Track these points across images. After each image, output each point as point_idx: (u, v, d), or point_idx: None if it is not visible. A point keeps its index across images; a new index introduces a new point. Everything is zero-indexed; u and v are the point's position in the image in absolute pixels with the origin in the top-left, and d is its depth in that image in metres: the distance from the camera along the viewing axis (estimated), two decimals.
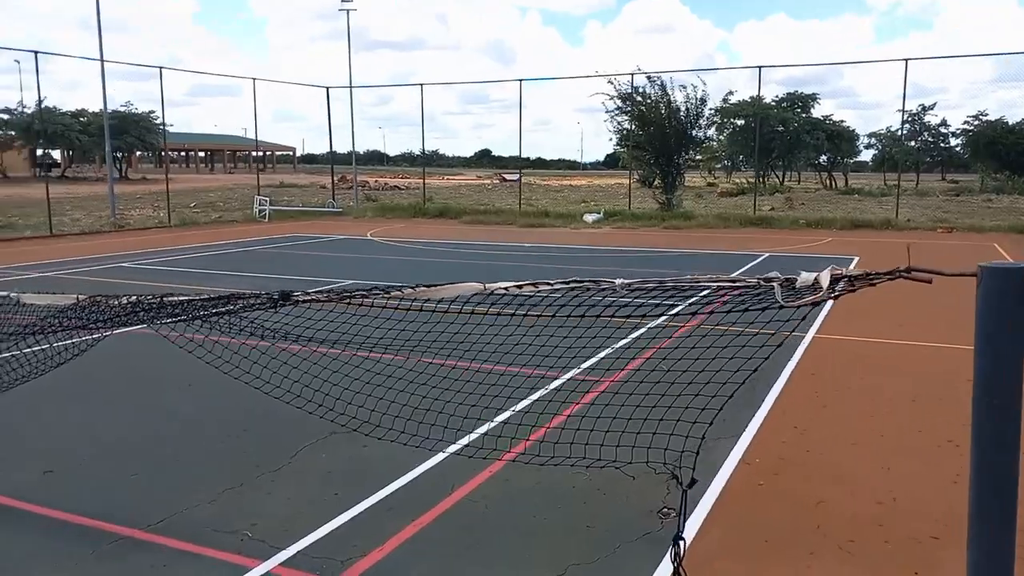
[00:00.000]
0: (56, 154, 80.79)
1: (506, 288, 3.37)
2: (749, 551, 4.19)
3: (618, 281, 3.29)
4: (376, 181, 63.63)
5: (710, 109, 27.27)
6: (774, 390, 6.82)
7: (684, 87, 28.06)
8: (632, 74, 25.94)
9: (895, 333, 9.02)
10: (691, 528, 4.40)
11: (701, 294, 3.16)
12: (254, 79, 26.56)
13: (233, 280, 12.91)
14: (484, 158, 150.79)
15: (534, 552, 4.21)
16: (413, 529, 4.40)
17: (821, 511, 4.60)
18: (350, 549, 4.16)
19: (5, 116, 68.98)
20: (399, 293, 3.50)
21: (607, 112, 27.26)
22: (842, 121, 44.80)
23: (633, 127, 27.40)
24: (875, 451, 5.45)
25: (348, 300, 3.70)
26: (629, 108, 27.21)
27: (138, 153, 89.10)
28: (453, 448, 4.60)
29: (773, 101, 45.31)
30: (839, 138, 44.04)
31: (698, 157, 59.04)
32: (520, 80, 26.25)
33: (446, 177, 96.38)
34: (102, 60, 22.71)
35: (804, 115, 45.82)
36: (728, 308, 3.05)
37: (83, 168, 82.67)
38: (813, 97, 45.12)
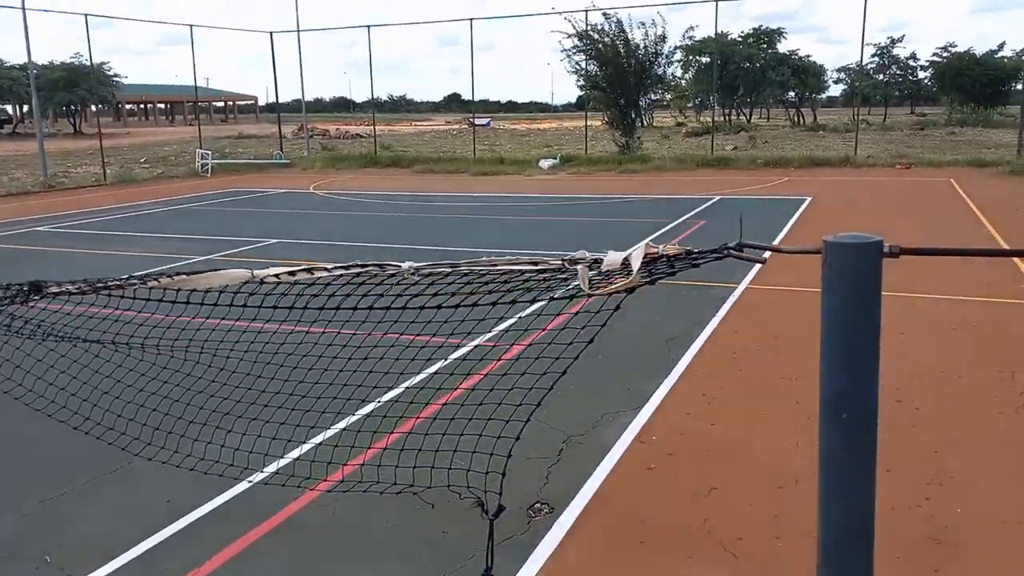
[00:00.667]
0: (8, 109, 78.17)
1: (277, 276, 2.71)
2: (619, 558, 3.68)
3: (406, 264, 2.65)
4: (337, 129, 61.97)
5: (670, 47, 26.33)
6: (691, 350, 6.31)
7: (643, 24, 26.99)
8: (587, 11, 24.91)
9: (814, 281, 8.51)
10: (560, 529, 3.88)
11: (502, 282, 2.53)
12: (191, 25, 25.25)
13: (150, 242, 12.16)
14: (453, 103, 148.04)
15: (388, 564, 3.68)
16: (243, 544, 3.84)
17: (712, 501, 4.10)
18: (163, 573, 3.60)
19: None
20: (156, 283, 2.81)
21: (563, 51, 26.27)
22: (808, 56, 43.85)
23: (591, 67, 26.46)
24: (787, 424, 4.95)
25: (104, 291, 3.03)
26: (587, 47, 26.22)
27: (94, 107, 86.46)
28: (260, 477, 4.02)
29: (739, 37, 44.24)
30: (805, 73, 43.11)
31: (668, 97, 58.04)
32: (471, 19, 25.13)
33: (414, 123, 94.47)
34: (24, 8, 21.33)
35: (771, 51, 44.81)
36: (532, 296, 2.44)
37: (32, 124, 79.89)
38: (779, 32, 44.04)
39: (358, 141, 48.39)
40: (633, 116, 27.14)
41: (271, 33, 28.57)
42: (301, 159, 27.88)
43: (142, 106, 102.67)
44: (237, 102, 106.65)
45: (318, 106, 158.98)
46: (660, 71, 26.89)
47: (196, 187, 21.52)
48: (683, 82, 46.02)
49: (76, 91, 70.03)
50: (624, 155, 24.89)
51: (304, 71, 28.21)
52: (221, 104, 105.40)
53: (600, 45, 25.89)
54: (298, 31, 28.55)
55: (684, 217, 13.51)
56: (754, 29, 44.17)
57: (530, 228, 13.14)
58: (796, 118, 50.99)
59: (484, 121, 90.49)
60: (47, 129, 75.01)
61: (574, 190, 18.35)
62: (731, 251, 2.03)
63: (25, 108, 76.29)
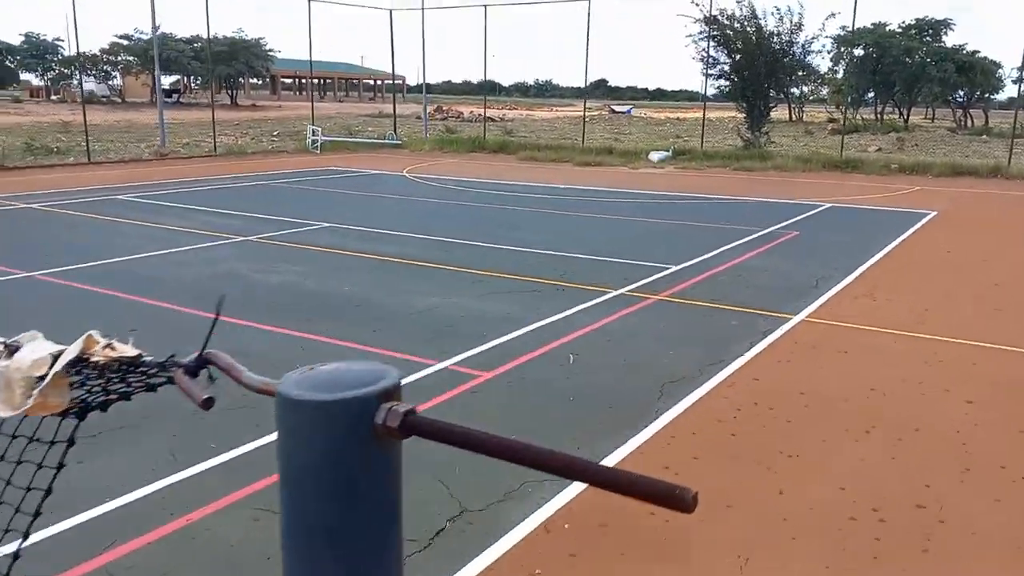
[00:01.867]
0: (170, 80, 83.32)
1: None
2: None
3: None
4: (471, 112, 61.90)
5: (808, 36, 24.08)
6: (686, 400, 5.11)
7: (778, 10, 24.85)
8: None
9: (910, 321, 6.96)
10: None
11: None
12: (309, 0, 25.42)
13: (202, 217, 11.95)
14: (598, 88, 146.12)
15: None
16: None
17: None
18: None
19: (124, 42, 71.14)
20: None
21: (688, 36, 24.57)
22: (976, 52, 39.33)
23: (719, 55, 24.66)
24: (748, 520, 3.74)
25: None
26: (715, 33, 24.43)
27: (252, 80, 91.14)
28: None
29: (899, 28, 40.40)
30: (972, 70, 38.71)
31: (825, 91, 54.30)
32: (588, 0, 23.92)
33: (555, 109, 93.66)
34: None
35: (936, 44, 40.68)
36: None
37: (199, 94, 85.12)
38: (945, 23, 39.83)
39: (489, 124, 48.07)
40: (762, 109, 25.12)
41: (390, 11, 28.48)
42: (413, 141, 27.65)
43: (297, 80, 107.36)
44: (386, 81, 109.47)
45: (465, 88, 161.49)
46: (794, 61, 24.72)
47: (297, 163, 21.61)
48: (835, 75, 42.73)
49: (234, 64, 73.64)
50: (745, 151, 23.02)
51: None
52: (371, 82, 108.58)
53: (729, 31, 24.05)
54: (423, 9, 28.27)
55: (778, 225, 11.96)
56: (916, 20, 40.21)
57: (592, 227, 12.00)
58: (963, 120, 46.33)
59: (625, 109, 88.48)
60: (206, 100, 79.49)
61: (672, 186, 16.93)
62: (168, 372, 1.03)
63: (187, 79, 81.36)
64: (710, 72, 25.25)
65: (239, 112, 63.38)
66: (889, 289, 8.17)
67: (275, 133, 34.40)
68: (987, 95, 46.83)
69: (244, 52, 72.56)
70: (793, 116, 59.43)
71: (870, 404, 5.12)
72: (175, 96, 79.86)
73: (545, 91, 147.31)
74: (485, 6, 25.42)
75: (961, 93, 44.86)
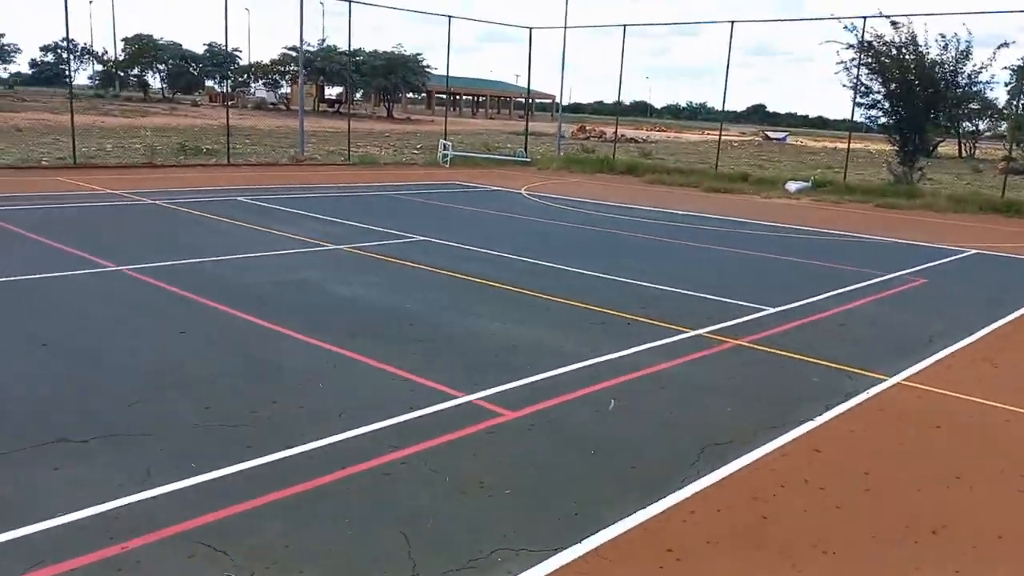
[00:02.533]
0: (335, 91, 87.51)
1: None
2: None
3: None
4: (613, 132, 61.24)
5: (976, 65, 21.96)
6: (722, 470, 4.44)
7: (943, 36, 22.80)
8: (864, 17, 21.57)
9: (1010, 394, 5.89)
10: None
11: None
12: (449, 17, 25.81)
13: (305, 223, 12.12)
14: (755, 114, 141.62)
15: None
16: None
17: None
18: None
19: (293, 53, 75.54)
20: None
21: (839, 63, 23.04)
22: None
23: (872, 83, 22.97)
24: None
25: None
26: (869, 60, 22.79)
27: (410, 95, 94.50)
28: None
29: None
30: None
31: (1003, 126, 49.96)
32: (732, 22, 22.93)
33: (706, 132, 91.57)
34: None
35: None
36: None
37: (356, 106, 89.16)
38: None
39: (631, 145, 47.36)
40: (918, 142, 23.20)
41: (531, 29, 28.48)
42: (542, 159, 27.48)
43: (454, 96, 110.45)
44: (537, 99, 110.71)
45: (618, 109, 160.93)
46: (960, 93, 22.67)
47: (423, 176, 21.88)
48: (1015, 109, 39.08)
49: (391, 78, 76.61)
50: (892, 187, 21.26)
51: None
52: (521, 100, 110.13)
53: (884, 58, 22.35)
54: (565, 27, 28.12)
55: (906, 271, 10.75)
56: None
57: (698, 259, 11.22)
58: None
59: (780, 135, 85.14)
60: (363, 111, 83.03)
61: (802, 220, 15.76)
62: None
63: (349, 90, 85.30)
64: (861, 101, 23.56)
65: (394, 124, 65.77)
66: (1018, 355, 7.04)
67: (418, 146, 35.28)
68: None
69: (402, 67, 75.35)
70: (963, 152, 55.04)
71: (948, 497, 4.26)
72: (336, 106, 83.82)
73: (698, 114, 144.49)
74: (624, 25, 24.92)
75: None
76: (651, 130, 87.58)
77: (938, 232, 15.03)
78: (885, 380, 6.11)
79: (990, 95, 33.76)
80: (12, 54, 66.20)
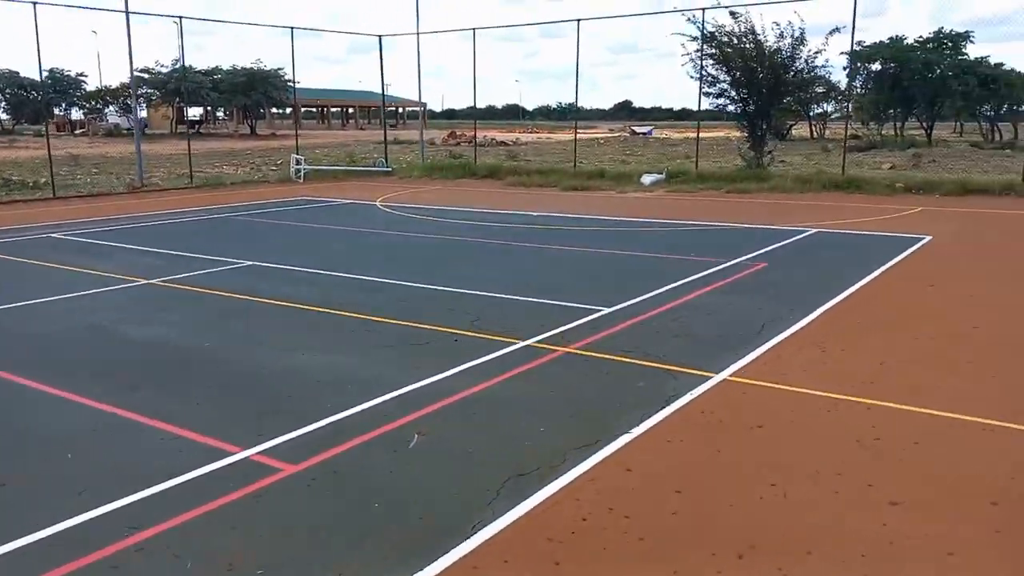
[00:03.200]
0: (197, 111, 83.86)
1: None
2: None
3: None
4: (484, 136, 61.15)
5: (811, 50, 22.74)
6: (526, 503, 3.97)
7: (777, 25, 23.56)
8: (704, 9, 22.03)
9: (858, 381, 5.72)
10: None
11: None
12: (291, 28, 24.77)
13: (123, 257, 11.06)
14: (623, 110, 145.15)
15: None
16: None
17: None
18: None
19: (145, 75, 71.78)
20: None
21: (684, 55, 23.43)
22: (1000, 64, 37.46)
23: (717, 73, 23.47)
24: None
25: None
26: (713, 51, 23.28)
27: (274, 110, 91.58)
28: None
29: (916, 41, 38.80)
30: (995, 83, 36.89)
31: (849, 108, 52.88)
32: (578, 20, 22.96)
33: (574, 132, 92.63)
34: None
35: (958, 57, 39.00)
36: None
37: (219, 125, 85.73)
38: (965, 36, 38.08)
39: (501, 148, 47.20)
40: (765, 127, 23.90)
41: (380, 37, 27.75)
42: (403, 168, 26.80)
43: (320, 110, 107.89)
44: (407, 108, 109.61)
45: (490, 113, 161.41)
46: (799, 77, 23.47)
47: (272, 193, 20.81)
48: (854, 91, 41.32)
49: (252, 94, 74.00)
50: (742, 172, 21.76)
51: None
52: (393, 109, 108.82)
53: (727, 48, 22.88)
54: (417, 33, 27.50)
55: (748, 255, 10.75)
56: (935, 32, 38.56)
57: (543, 262, 10.86)
58: (990, 134, 44.59)
59: (645, 130, 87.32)
60: (225, 130, 79.97)
61: (652, 212, 15.75)
62: None
63: (207, 110, 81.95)
64: (708, 91, 24.06)
65: (257, 141, 63.36)
66: (847, 337, 6.95)
67: (279, 162, 33.86)
68: (1015, 107, 44.99)
69: (262, 82, 72.88)
70: (815, 134, 57.89)
71: (760, 511, 3.93)
72: (196, 127, 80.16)
73: (568, 114, 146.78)
74: (474, 29, 24.57)
75: (988, 106, 43.12)
76: (522, 132, 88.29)
77: (784, 214, 15.33)
78: (711, 377, 5.84)
79: (833, 79, 35.45)
80: None
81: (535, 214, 15.93)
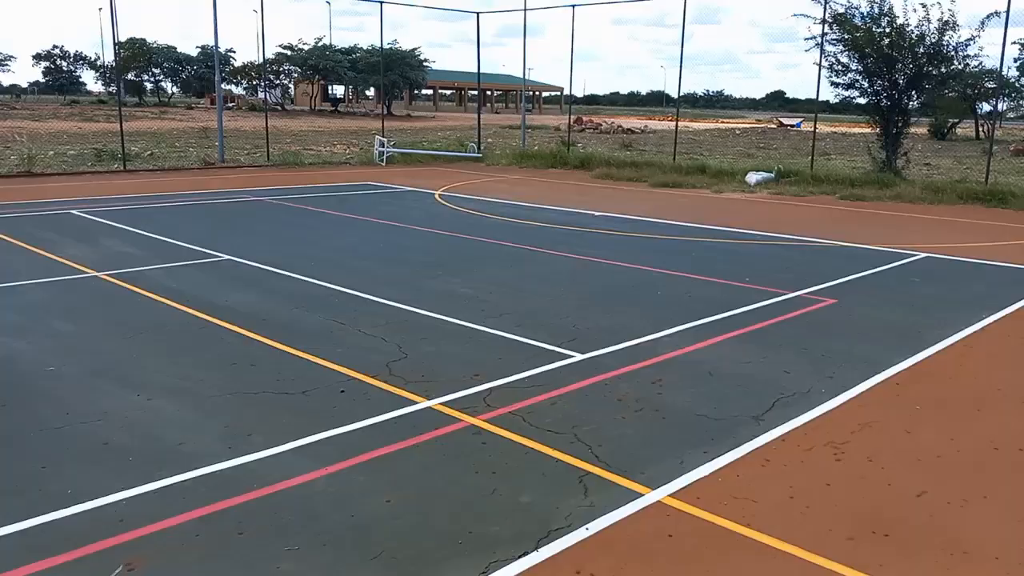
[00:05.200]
0: (339, 90, 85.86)
1: None
2: None
3: None
4: (611, 123, 58.81)
5: (961, 38, 19.27)
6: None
7: (924, 6, 20.11)
8: None
9: (884, 545, 3.61)
10: None
11: None
12: (381, 3, 23.59)
13: (108, 242, 10.09)
14: (775, 100, 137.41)
15: None
16: None
17: None
18: None
19: (288, 52, 73.94)
20: None
21: (808, 39, 20.52)
22: None
23: (847, 61, 20.41)
24: None
25: None
26: (845, 37, 20.22)
27: (416, 91, 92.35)
28: None
29: None
30: None
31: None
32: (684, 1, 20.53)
33: (720, 120, 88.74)
34: None
35: None
36: None
37: (361, 104, 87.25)
38: None
39: (628, 136, 44.75)
40: (900, 125, 20.61)
41: (478, 14, 26.26)
42: (493, 154, 25.27)
43: (459, 92, 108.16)
44: (543, 92, 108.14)
45: (634, 99, 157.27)
46: (944, 69, 20.03)
47: (341, 176, 19.79)
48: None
49: (389, 75, 74.70)
50: (864, 176, 18.74)
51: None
52: (530, 94, 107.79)
53: (857, 32, 19.79)
54: (525, 9, 25.80)
55: (819, 286, 8.42)
56: None
57: (562, 276, 8.92)
58: None
59: (795, 122, 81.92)
60: (362, 109, 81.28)
61: (736, 218, 13.38)
62: None
63: (349, 88, 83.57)
64: (837, 81, 20.97)
65: (388, 122, 63.76)
66: (891, 432, 4.74)
67: (391, 143, 33.14)
68: None
69: (398, 63, 73.40)
70: (981, 134, 51.91)
71: None
72: (337, 105, 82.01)
73: (715, 102, 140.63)
74: (573, 6, 22.56)
75: None
76: (662, 120, 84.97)
77: (897, 229, 12.61)
78: (641, 496, 3.88)
79: (1007, 74, 30.87)
80: (5, 62, 65.16)
81: (596, 214, 13.92)
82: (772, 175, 19.06)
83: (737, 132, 54.52)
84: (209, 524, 3.59)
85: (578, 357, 6.00)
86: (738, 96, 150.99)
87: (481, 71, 27.91)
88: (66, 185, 16.46)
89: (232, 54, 79.80)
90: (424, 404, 5.03)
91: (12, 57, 72.11)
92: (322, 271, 8.76)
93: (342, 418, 4.77)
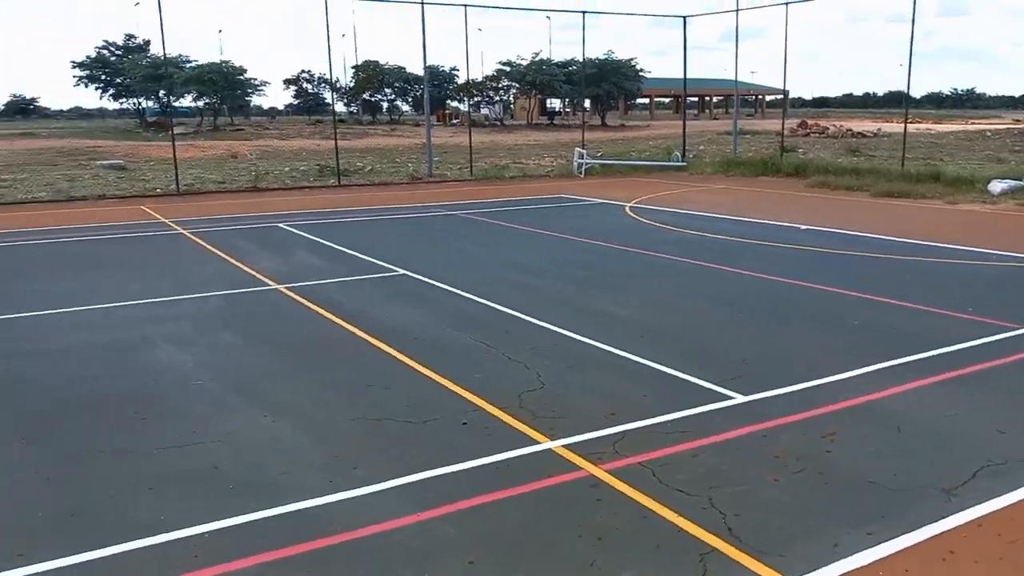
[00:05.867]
0: (556, 103, 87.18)
1: None
2: None
3: None
4: (840, 126, 54.63)
5: None
6: None
7: None
8: None
9: None
10: None
11: None
12: (583, 12, 23.30)
13: (301, 253, 10.55)
14: None
15: None
16: None
17: None
18: None
19: (507, 69, 76.25)
20: None
21: None
22: None
23: None
24: None
25: None
26: None
27: (631, 101, 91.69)
28: None
29: None
30: None
31: None
32: None
33: (969, 121, 79.93)
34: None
35: None
36: None
37: (578, 116, 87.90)
38: None
39: (857, 141, 41.39)
40: None
41: (684, 18, 25.17)
42: (697, 162, 24.14)
43: (675, 100, 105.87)
44: (767, 96, 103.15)
45: (869, 101, 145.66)
46: None
47: (539, 188, 19.72)
48: None
49: (603, 85, 74.68)
50: None
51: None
52: (752, 98, 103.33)
53: None
54: (737, 10, 24.50)
55: (980, 340, 6.89)
56: None
57: (717, 302, 8.00)
58: None
59: None
60: (578, 121, 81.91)
61: (971, 235, 11.52)
62: None
63: (565, 101, 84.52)
64: None
65: (602, 133, 63.66)
66: None
67: (599, 154, 32.97)
68: None
69: (613, 72, 73.23)
70: None
71: None
72: (552, 119, 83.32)
73: (964, 102, 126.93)
74: (787, 3, 20.96)
75: None
76: (899, 122, 77.90)
77: None
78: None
79: None
80: (261, 88, 72.65)
81: (803, 227, 12.63)
82: (1022, 183, 16.47)
83: (988, 134, 48.48)
84: (276, 569, 3.33)
85: (738, 399, 5.21)
86: (992, 94, 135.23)
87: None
88: (283, 199, 17.71)
89: (456, 72, 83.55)
90: (545, 445, 4.53)
91: (267, 83, 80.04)
92: (486, 288, 8.51)
93: (453, 455, 4.39)
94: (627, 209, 15.45)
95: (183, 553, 3.46)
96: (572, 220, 14.15)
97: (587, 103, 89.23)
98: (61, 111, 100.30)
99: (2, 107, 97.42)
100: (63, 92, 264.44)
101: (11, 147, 37.60)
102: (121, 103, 69.85)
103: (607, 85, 75.24)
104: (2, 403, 5.34)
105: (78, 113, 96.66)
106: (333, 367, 6.03)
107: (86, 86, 66.62)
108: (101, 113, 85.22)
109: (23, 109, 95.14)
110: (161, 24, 24.09)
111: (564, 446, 4.51)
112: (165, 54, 33.92)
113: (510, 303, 7.82)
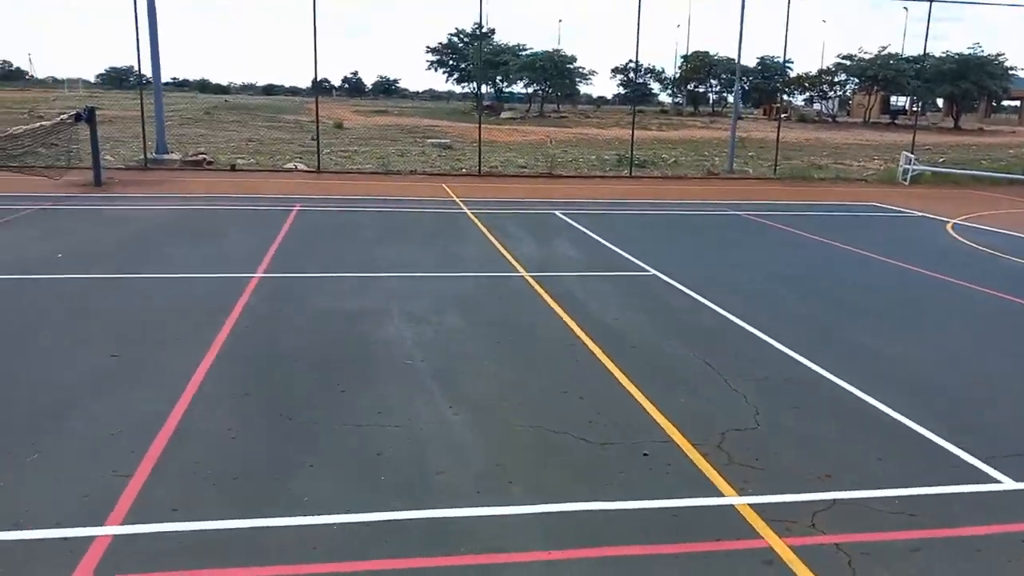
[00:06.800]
0: (902, 100, 78.95)
1: None
2: None
3: None
4: None
5: None
6: None
7: None
8: None
9: None
10: None
11: None
12: (930, 2, 20.27)
13: (561, 237, 10.48)
14: None
15: None
16: None
17: None
18: None
19: (847, 63, 70.64)
20: None
21: None
22: None
23: None
24: None
25: None
26: None
27: (996, 103, 80.00)
28: None
29: None
30: None
31: None
32: None
33: None
34: None
35: None
36: None
37: (927, 115, 78.65)
38: None
39: None
40: None
41: None
42: None
43: None
44: None
45: None
46: None
47: (847, 194, 17.77)
48: None
49: (962, 83, 66.12)
50: None
51: None
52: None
53: None
54: None
55: None
56: None
57: (1002, 358, 6.37)
58: None
59: None
60: (925, 122, 73.52)
61: None
62: None
63: (915, 99, 75.97)
64: None
65: (956, 136, 56.40)
66: None
67: (941, 160, 29.24)
68: None
69: (976, 70, 64.40)
70: None
71: None
72: (895, 118, 75.83)
73: None
74: None
75: None
76: None
77: None
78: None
79: None
80: (588, 76, 74.64)
81: None
82: None
83: None
84: None
85: (1006, 484, 4.07)
86: None
87: None
88: (571, 187, 17.87)
89: (790, 65, 79.03)
90: (728, 500, 3.87)
91: (594, 72, 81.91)
92: (738, 300, 7.72)
93: (617, 491, 3.91)
94: (948, 227, 13.30)
95: (299, 543, 3.41)
96: (872, 233, 12.49)
97: (939, 103, 79.49)
98: (417, 92, 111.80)
99: (370, 86, 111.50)
100: (420, 75, 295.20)
101: (367, 122, 42.68)
102: (463, 87, 76.21)
103: (966, 84, 66.38)
104: (247, 360, 5.78)
105: (430, 95, 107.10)
106: (537, 366, 5.78)
107: (435, 70, 73.68)
108: (448, 96, 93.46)
109: (386, 89, 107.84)
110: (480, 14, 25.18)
111: (751, 505, 3.81)
112: (480, 43, 35.78)
113: (757, 321, 6.99)
